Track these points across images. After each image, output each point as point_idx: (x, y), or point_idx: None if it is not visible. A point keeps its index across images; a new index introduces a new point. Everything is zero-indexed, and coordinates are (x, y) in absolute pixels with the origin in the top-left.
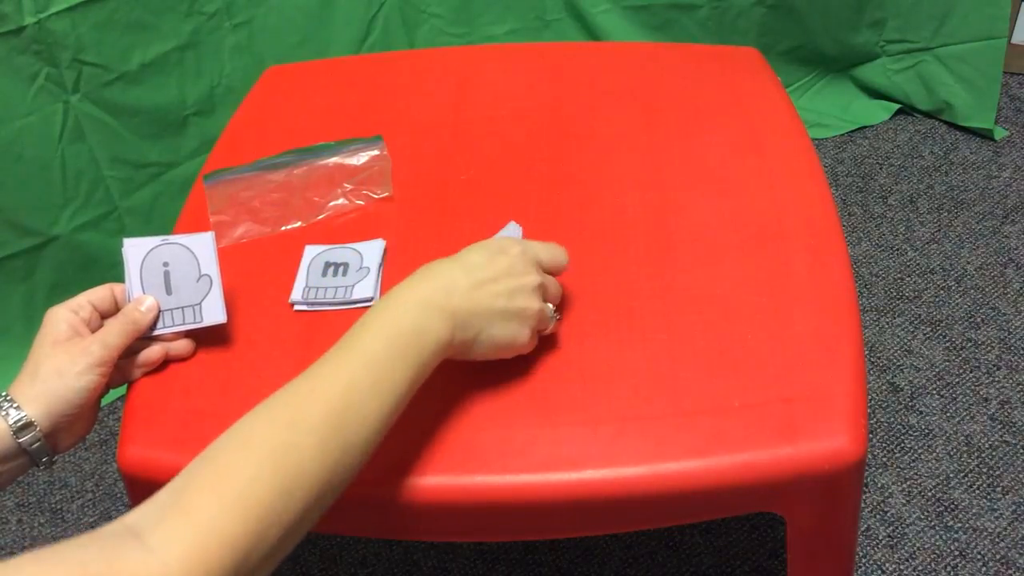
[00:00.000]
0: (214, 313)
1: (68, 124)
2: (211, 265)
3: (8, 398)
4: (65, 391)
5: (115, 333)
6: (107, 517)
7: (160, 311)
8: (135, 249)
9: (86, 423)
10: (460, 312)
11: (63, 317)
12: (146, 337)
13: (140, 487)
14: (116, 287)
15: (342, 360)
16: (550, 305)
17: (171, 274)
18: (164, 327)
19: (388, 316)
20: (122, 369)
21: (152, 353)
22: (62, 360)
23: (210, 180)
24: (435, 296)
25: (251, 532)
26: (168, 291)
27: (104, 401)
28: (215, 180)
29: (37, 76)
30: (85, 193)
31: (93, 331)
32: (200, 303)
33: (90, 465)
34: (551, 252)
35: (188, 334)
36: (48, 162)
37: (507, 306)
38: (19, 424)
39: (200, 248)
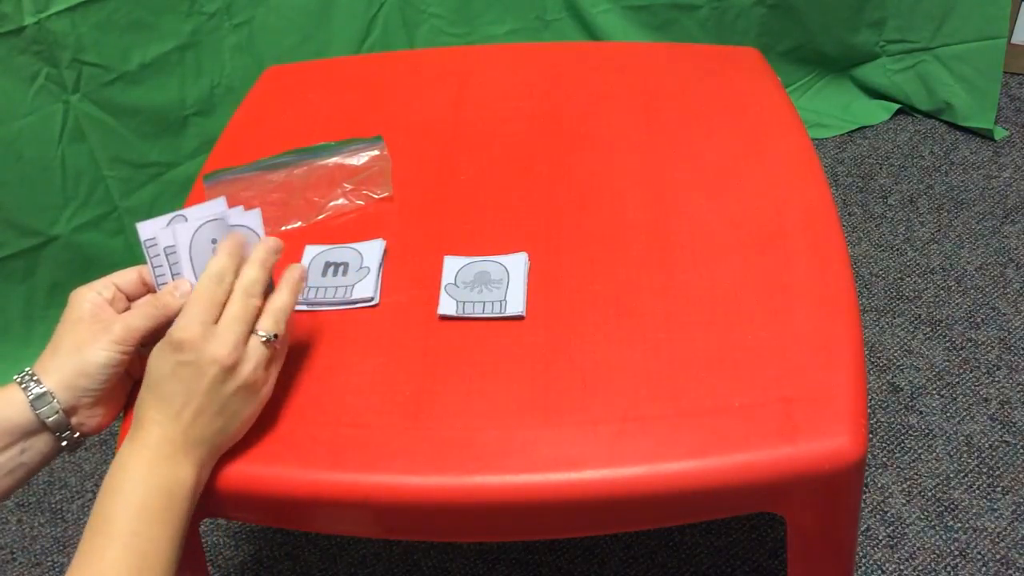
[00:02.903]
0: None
1: (68, 124)
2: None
3: (30, 373)
4: (84, 365)
5: (140, 315)
6: None
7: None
8: (183, 228)
9: (110, 406)
10: (186, 452)
11: (87, 297)
12: None
13: None
14: (143, 269)
15: (103, 548)
16: (260, 335)
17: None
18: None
19: (128, 489)
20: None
21: None
22: (83, 336)
23: (210, 180)
24: (158, 452)
25: None
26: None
27: None
28: (215, 180)
29: (37, 76)
30: (85, 193)
31: (119, 312)
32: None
33: (90, 465)
34: (247, 306)
35: None
36: (48, 162)
37: (231, 413)
38: (36, 395)
39: (254, 222)
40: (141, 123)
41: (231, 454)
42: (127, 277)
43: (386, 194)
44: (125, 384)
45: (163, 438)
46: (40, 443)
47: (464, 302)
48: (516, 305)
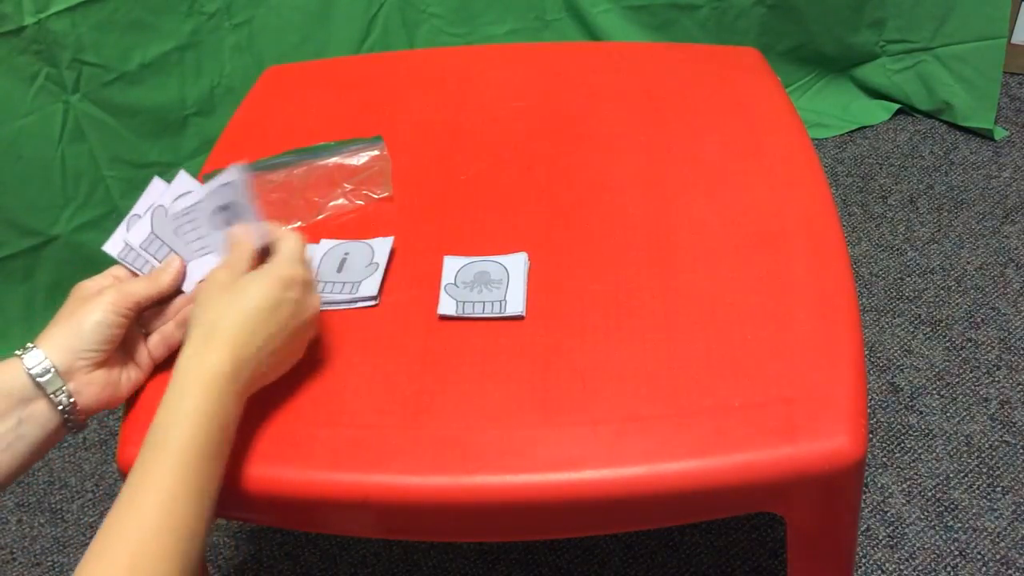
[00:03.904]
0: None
1: (68, 124)
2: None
3: (29, 345)
4: (78, 326)
5: (136, 283)
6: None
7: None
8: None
9: (108, 381)
10: (251, 386)
11: (86, 285)
12: None
13: None
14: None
15: (157, 476)
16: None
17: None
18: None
19: (186, 426)
20: (165, 337)
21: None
22: (79, 306)
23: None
24: (223, 392)
25: None
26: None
27: None
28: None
29: (37, 76)
30: (85, 193)
31: None
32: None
33: (90, 465)
34: (295, 251)
35: None
36: (48, 162)
37: (289, 346)
38: (30, 357)
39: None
40: (141, 123)
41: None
42: (124, 270)
43: (386, 194)
44: (127, 366)
45: (235, 369)
46: (38, 412)
47: (464, 302)
48: (516, 305)
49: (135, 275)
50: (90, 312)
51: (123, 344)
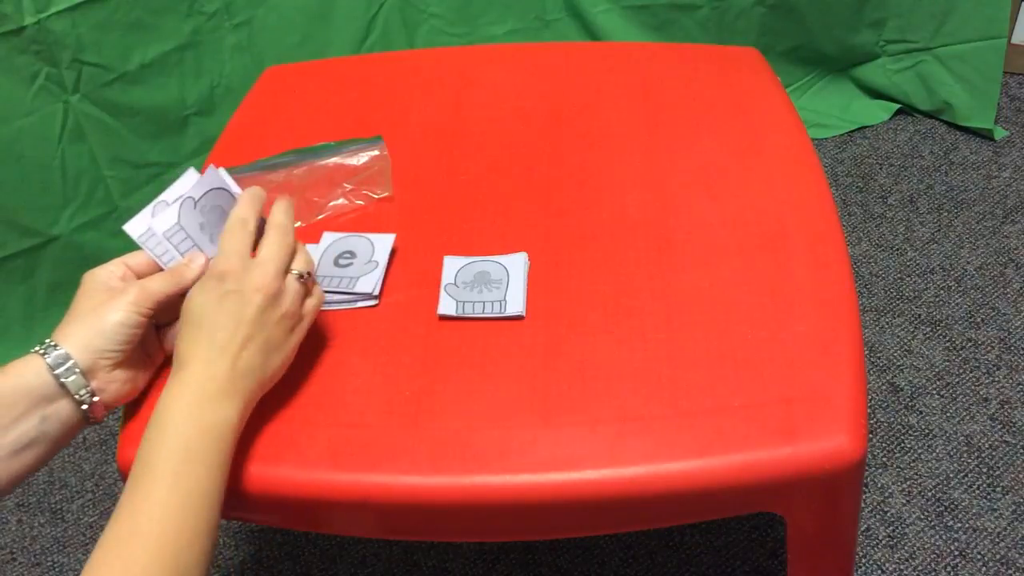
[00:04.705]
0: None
1: (68, 124)
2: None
3: (48, 340)
4: (100, 325)
5: (156, 280)
6: (107, 517)
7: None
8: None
9: (129, 377)
10: (234, 387)
11: (98, 275)
12: None
13: None
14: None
15: (148, 494)
16: (293, 272)
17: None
18: None
19: (176, 420)
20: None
21: None
22: (99, 300)
23: None
24: (202, 393)
25: None
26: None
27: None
28: None
29: (37, 76)
30: (85, 193)
31: None
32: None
33: (90, 465)
34: (282, 248)
35: None
36: (48, 162)
37: (275, 347)
38: (54, 358)
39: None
40: (141, 123)
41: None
42: (137, 258)
43: (386, 194)
44: (143, 361)
45: (207, 376)
46: (60, 410)
47: (464, 302)
48: (516, 305)
49: (150, 262)
50: (112, 311)
51: (140, 339)
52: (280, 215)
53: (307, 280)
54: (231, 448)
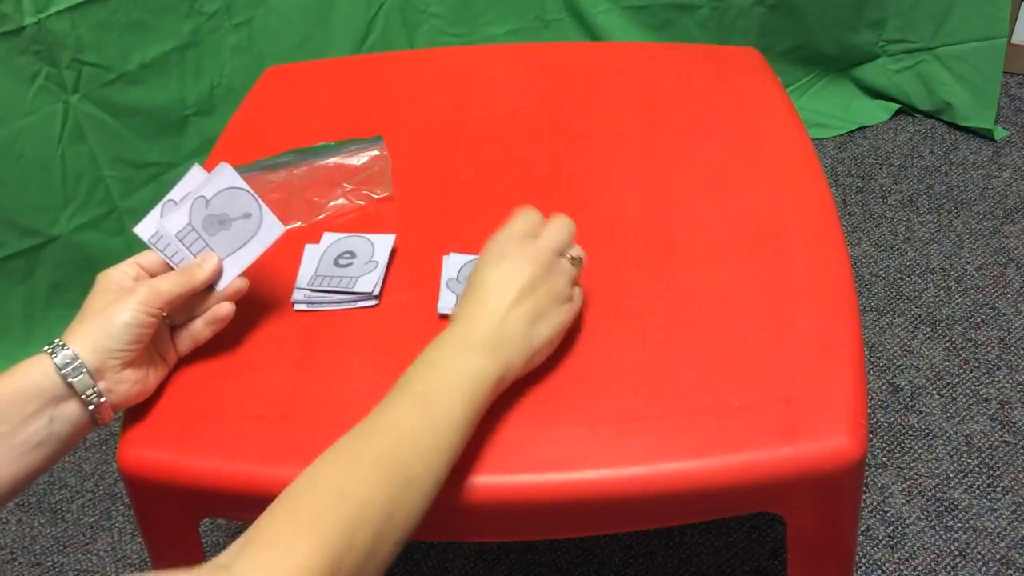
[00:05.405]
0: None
1: (68, 124)
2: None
3: (57, 340)
4: (109, 325)
5: (166, 280)
6: (107, 517)
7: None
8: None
9: (139, 377)
10: (496, 347)
11: (111, 275)
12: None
13: (140, 487)
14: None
15: (394, 402)
16: (567, 256)
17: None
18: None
19: (436, 358)
20: (193, 333)
21: (221, 310)
22: (109, 299)
23: None
24: (465, 343)
25: (325, 556)
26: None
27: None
28: None
29: (37, 76)
30: (85, 193)
31: None
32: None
33: (90, 465)
34: (565, 232)
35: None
36: (48, 162)
37: (541, 317)
38: (62, 358)
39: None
40: (141, 123)
41: (232, 454)
42: (150, 258)
43: (386, 194)
44: (155, 363)
45: (473, 329)
46: (69, 411)
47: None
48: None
49: (163, 263)
50: (121, 311)
51: (151, 339)
52: (561, 218)
53: (579, 266)
54: (483, 402)
